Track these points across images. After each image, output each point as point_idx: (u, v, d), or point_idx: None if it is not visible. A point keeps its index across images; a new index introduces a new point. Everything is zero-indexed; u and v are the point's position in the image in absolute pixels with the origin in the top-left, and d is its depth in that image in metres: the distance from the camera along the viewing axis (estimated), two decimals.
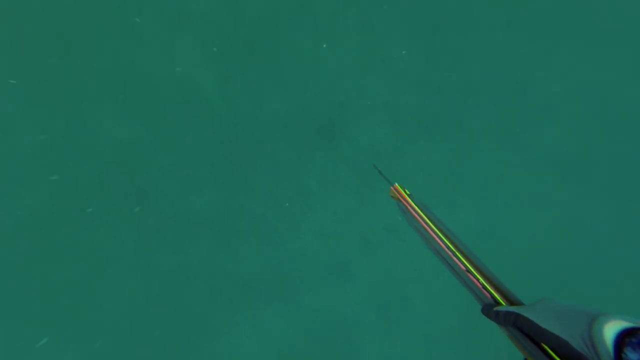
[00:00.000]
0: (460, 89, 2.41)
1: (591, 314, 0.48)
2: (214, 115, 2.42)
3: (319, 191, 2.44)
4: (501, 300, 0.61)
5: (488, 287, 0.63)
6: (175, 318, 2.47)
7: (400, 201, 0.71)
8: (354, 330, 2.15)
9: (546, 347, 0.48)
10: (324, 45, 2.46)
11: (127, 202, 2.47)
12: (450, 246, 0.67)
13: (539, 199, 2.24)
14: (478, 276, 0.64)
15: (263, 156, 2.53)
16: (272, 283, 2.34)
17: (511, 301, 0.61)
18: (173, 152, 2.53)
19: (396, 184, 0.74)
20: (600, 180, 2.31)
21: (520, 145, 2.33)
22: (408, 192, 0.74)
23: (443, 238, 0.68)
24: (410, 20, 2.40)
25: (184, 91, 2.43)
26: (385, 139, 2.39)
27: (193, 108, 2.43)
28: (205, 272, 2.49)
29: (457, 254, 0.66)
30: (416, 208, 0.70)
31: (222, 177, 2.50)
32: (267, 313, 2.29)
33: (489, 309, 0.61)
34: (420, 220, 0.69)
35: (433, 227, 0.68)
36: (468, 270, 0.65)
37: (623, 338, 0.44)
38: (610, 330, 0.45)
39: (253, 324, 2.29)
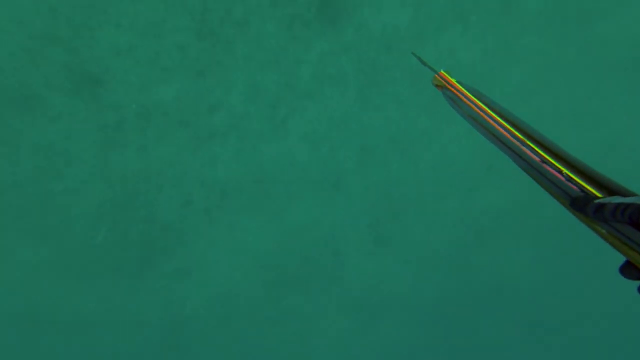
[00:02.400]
0: None
1: None
2: None
3: (313, 86, 1.97)
4: (594, 191, 0.52)
5: (574, 177, 0.54)
6: (146, 226, 2.23)
7: (448, 89, 0.65)
8: (341, 248, 1.93)
9: None
10: None
11: (80, 95, 2.02)
12: (518, 134, 0.57)
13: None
14: (559, 165, 0.55)
15: (245, 39, 1.99)
16: (253, 192, 2.03)
17: (612, 190, 0.51)
18: (131, 28, 1.98)
19: (442, 71, 0.67)
20: None
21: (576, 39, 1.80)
22: (456, 80, 0.67)
23: (507, 125, 0.58)
24: None
25: None
26: (404, 24, 1.83)
27: None
28: (176, 176, 2.16)
29: (528, 142, 0.56)
30: (469, 95, 0.62)
31: (194, 63, 2.00)
32: (247, 226, 2.04)
33: (584, 202, 0.50)
34: (476, 108, 0.61)
35: (493, 114, 0.60)
36: (544, 161, 0.55)
37: None
38: None
39: (231, 237, 2.06)
